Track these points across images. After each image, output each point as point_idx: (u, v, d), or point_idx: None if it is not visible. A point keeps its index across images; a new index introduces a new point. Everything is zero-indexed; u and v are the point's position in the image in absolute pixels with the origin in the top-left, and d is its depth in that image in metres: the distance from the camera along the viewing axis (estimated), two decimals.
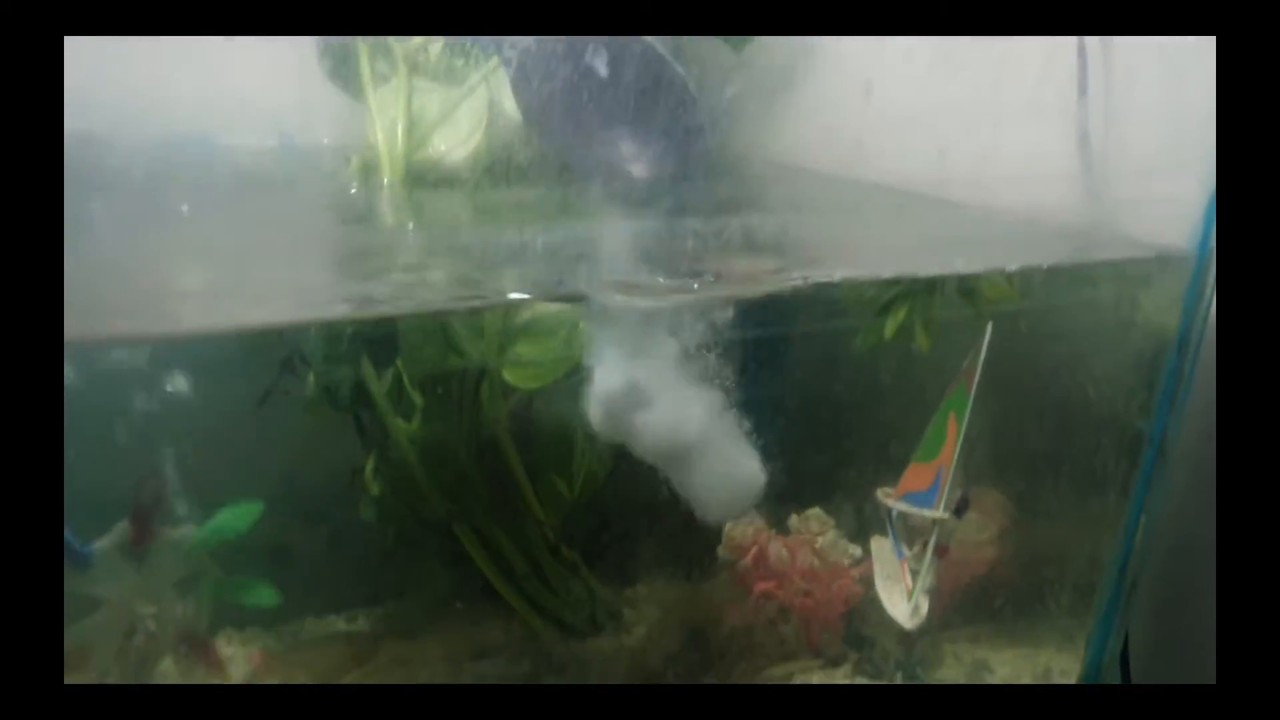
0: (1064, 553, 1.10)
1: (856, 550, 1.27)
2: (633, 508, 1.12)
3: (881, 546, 0.95)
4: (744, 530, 1.23)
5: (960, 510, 0.90)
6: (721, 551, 1.22)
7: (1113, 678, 0.98)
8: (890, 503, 0.93)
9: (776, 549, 1.21)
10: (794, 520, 1.28)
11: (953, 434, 0.87)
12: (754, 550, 1.22)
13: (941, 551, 0.92)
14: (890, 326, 1.03)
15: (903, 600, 0.89)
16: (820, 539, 1.28)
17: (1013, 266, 0.89)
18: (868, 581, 1.24)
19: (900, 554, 0.91)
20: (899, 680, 1.30)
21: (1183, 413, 0.88)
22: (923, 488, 0.90)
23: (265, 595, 0.93)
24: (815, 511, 1.30)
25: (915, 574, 0.90)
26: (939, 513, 0.88)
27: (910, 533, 0.94)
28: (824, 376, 1.26)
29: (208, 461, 0.96)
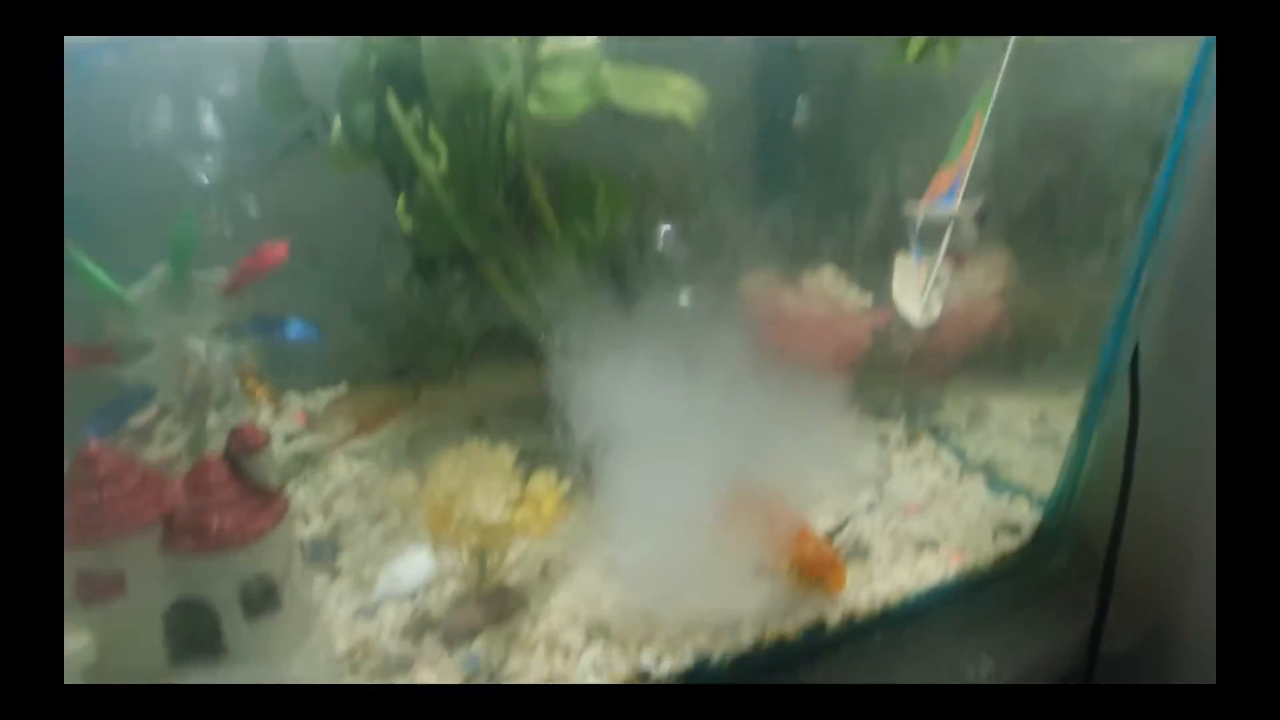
0: (1072, 280, 1.12)
1: (867, 300, 1.31)
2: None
3: (903, 256, 0.96)
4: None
5: (983, 217, 0.91)
6: None
7: (1121, 385, 1.02)
8: (915, 211, 0.94)
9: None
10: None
11: (976, 130, 0.88)
12: None
13: (959, 260, 0.93)
14: (913, 50, 1.03)
15: (916, 299, 0.90)
16: (833, 291, 1.32)
17: None
18: (877, 334, 1.29)
19: (918, 256, 0.93)
20: (902, 422, 1.37)
21: (1207, 113, 0.88)
22: (945, 190, 0.91)
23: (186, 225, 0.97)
24: (827, 269, 1.34)
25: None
26: (956, 209, 0.89)
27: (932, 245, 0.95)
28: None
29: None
